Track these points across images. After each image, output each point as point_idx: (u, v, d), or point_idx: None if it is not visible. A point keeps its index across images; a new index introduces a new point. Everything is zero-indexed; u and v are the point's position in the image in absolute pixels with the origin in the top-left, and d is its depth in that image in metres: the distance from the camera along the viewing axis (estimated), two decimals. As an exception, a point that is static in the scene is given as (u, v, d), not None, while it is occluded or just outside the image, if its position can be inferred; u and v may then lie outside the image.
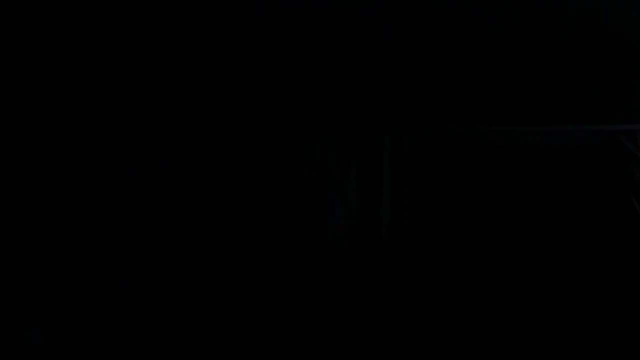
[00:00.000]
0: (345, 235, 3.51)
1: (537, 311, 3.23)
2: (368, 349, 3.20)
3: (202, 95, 3.53)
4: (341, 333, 3.24)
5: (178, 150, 3.48)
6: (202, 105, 3.54)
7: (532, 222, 3.56)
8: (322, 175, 3.53)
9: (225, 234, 3.48)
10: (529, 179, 3.60)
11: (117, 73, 3.39)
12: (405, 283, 3.32)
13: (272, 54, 3.32)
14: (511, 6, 3.07)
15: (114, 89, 3.45)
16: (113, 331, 3.16)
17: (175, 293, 3.25)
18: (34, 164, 3.46)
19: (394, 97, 3.56)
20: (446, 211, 3.62)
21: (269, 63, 3.38)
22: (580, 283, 3.28)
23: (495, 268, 3.39)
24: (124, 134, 3.49)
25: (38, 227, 3.42)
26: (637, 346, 3.07)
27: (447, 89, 3.53)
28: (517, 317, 3.23)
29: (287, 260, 3.44)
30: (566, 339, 3.17)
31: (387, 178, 3.54)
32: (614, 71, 3.34)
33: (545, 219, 3.56)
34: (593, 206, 3.49)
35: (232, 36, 3.20)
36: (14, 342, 2.88)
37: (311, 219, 3.52)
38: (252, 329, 3.22)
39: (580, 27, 3.12)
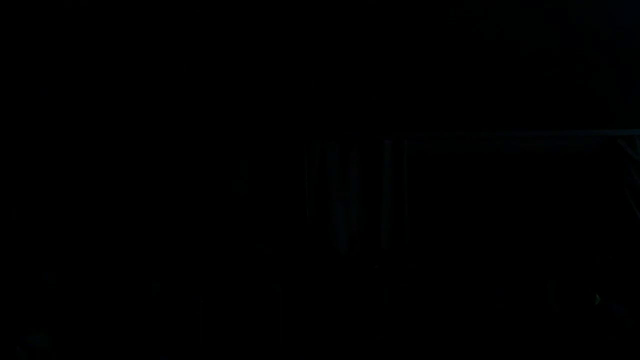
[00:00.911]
0: (347, 240, 3.52)
1: (535, 312, 3.25)
2: (367, 351, 3.20)
3: (215, 105, 3.54)
4: (340, 336, 3.23)
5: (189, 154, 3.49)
6: (213, 114, 3.55)
7: (531, 224, 3.62)
8: (324, 181, 3.53)
9: (225, 234, 3.48)
10: (529, 183, 3.65)
11: (137, 80, 3.41)
12: (406, 288, 3.33)
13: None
14: (513, 17, 3.13)
15: (128, 95, 3.46)
16: (115, 334, 3.12)
17: (175, 292, 3.23)
18: (34, 164, 3.43)
19: (397, 105, 3.58)
20: (446, 215, 3.65)
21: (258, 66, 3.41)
22: (580, 284, 3.32)
23: (495, 270, 3.41)
24: (133, 136, 3.49)
25: (38, 231, 3.39)
26: (638, 345, 3.11)
27: (445, 96, 3.56)
28: (516, 319, 3.25)
29: (286, 264, 3.44)
30: (565, 339, 3.20)
31: (388, 184, 3.55)
32: (613, 77, 3.40)
33: (546, 222, 3.61)
34: (593, 209, 3.56)
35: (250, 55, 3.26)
36: (17, 346, 2.83)
37: (312, 224, 3.52)
38: (252, 330, 3.21)
39: (581, 35, 3.18)
